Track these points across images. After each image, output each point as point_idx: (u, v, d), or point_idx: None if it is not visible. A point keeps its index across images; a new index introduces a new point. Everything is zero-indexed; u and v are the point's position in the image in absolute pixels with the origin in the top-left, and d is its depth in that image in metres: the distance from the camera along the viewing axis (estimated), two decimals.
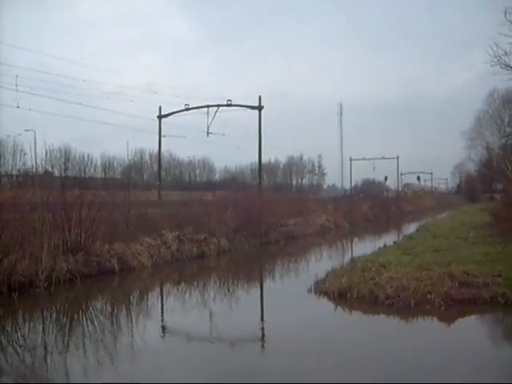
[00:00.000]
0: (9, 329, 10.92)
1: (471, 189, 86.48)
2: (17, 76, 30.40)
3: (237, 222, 24.39)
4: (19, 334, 10.65)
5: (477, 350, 8.73)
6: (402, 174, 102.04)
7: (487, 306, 10.99)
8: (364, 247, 23.10)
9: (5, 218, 13.59)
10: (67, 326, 11.28)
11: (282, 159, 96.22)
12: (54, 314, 12.50)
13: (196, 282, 16.98)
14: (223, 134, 43.30)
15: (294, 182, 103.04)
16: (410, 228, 35.69)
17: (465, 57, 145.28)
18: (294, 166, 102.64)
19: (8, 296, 12.55)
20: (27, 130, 44.73)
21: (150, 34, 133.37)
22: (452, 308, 10.81)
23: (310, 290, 13.20)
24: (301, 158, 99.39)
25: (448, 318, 10.50)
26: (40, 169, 21.48)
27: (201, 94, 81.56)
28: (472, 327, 10.53)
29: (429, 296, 11.11)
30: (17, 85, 30.18)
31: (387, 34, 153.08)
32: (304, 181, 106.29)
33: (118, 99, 60.08)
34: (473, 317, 11.06)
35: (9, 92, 30.69)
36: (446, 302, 10.91)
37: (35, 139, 34.36)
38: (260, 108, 40.68)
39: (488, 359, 8.20)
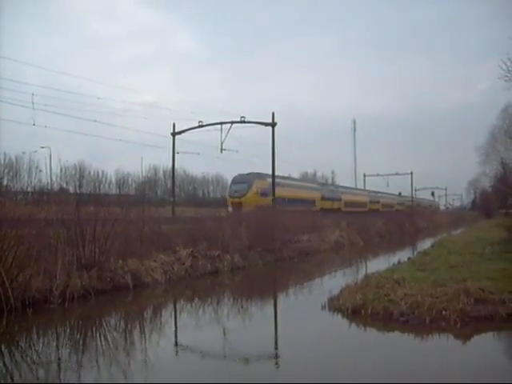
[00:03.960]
0: (23, 344, 10.96)
1: (486, 204, 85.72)
2: (33, 94, 30.73)
3: (250, 238, 24.35)
4: (33, 349, 10.68)
5: (494, 367, 8.61)
6: (416, 190, 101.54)
7: (504, 323, 10.83)
8: (378, 263, 22.94)
9: (20, 233, 13.67)
10: (81, 342, 11.30)
11: (296, 175, 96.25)
12: (68, 330, 12.54)
13: (210, 299, 16.95)
14: (237, 151, 43.34)
15: None
16: (425, 244, 35.41)
17: (478, 70, 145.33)
18: None
19: (22, 312, 12.61)
20: (43, 147, 45.36)
21: (158, 51, 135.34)
22: (468, 325, 10.68)
23: (323, 307, 13.12)
24: (314, 174, 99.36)
25: (464, 335, 10.37)
26: (55, 185, 21.68)
27: (211, 109, 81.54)
28: (489, 345, 10.35)
29: (444, 313, 10.99)
30: (33, 103, 30.48)
31: (399, 48, 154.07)
32: None
33: (129, 116, 60.45)
34: (489, 334, 10.90)
35: (21, 109, 31.02)
36: (462, 318, 10.78)
37: (50, 156, 34.79)
38: (273, 125, 40.77)
39: (506, 377, 8.08)
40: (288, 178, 57.62)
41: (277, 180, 47.23)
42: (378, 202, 79.25)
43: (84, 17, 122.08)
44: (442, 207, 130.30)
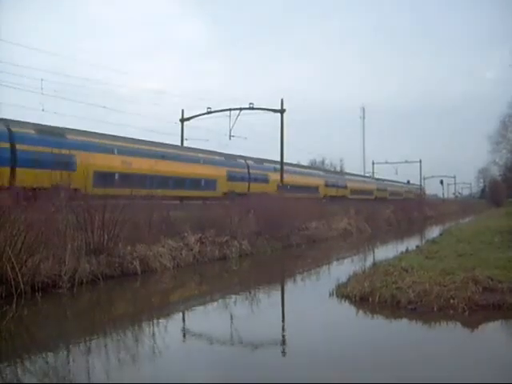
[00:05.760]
0: (32, 329, 11.06)
1: (496, 193, 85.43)
2: (42, 79, 30.78)
3: (258, 224, 24.38)
4: (42, 334, 10.78)
5: (502, 357, 8.60)
6: (424, 178, 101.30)
7: None
8: (386, 251, 22.91)
9: (30, 219, 13.74)
10: (89, 326, 11.38)
11: (304, 163, 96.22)
12: (77, 315, 12.61)
13: (217, 285, 17.02)
14: (245, 138, 43.40)
15: None
16: (433, 232, 35.32)
17: (489, 58, 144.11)
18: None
19: (32, 296, 12.68)
20: None
21: (164, 38, 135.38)
22: (476, 313, 10.64)
23: (331, 294, 13.11)
24: (323, 161, 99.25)
25: (472, 323, 10.35)
26: None
27: (219, 96, 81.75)
28: (497, 333, 10.35)
29: (452, 301, 10.95)
30: (42, 88, 30.55)
31: (409, 37, 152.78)
32: None
33: (137, 102, 60.65)
34: (497, 322, 10.87)
35: (30, 95, 31.14)
36: (470, 307, 10.75)
37: None
38: (282, 111, 40.68)
39: None
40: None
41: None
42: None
43: (92, 3, 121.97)
44: (450, 195, 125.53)
